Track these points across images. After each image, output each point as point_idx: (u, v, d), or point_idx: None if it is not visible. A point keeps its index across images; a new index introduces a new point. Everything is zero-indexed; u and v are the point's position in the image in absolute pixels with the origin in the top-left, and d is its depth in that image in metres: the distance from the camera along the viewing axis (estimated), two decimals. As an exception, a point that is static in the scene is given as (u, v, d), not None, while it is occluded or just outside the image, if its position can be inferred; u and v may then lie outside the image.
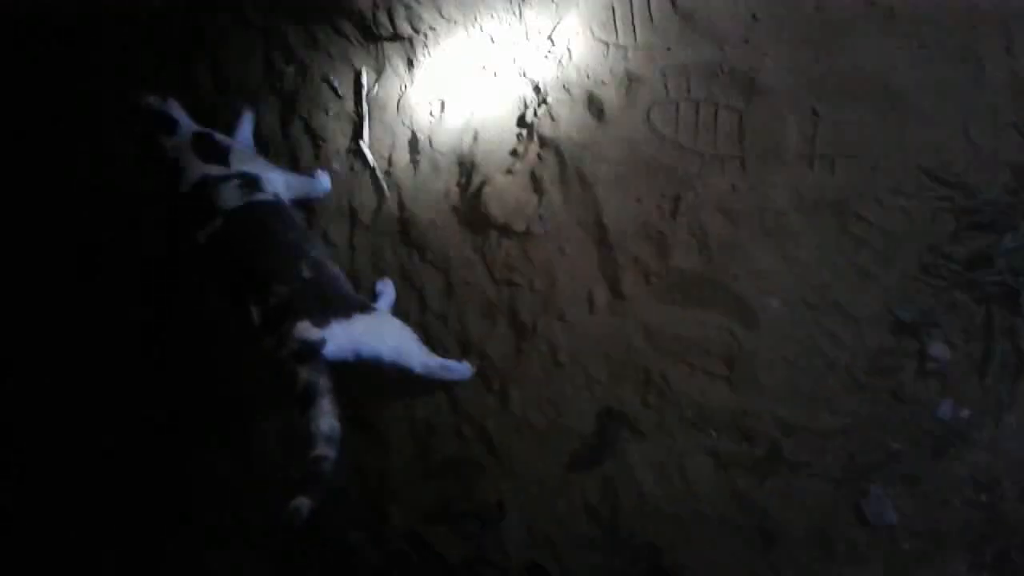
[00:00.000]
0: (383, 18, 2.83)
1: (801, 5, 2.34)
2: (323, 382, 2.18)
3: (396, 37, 2.85)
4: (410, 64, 2.88)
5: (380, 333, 2.40)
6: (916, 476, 2.13)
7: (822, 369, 2.25)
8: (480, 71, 2.73)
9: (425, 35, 2.80)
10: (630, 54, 2.48)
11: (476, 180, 2.72)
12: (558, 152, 2.56)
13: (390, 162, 2.99)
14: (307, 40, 3.12)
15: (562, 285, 2.58)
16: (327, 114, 3.13)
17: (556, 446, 2.48)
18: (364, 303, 2.47)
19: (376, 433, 2.73)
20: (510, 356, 2.65)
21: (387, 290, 2.75)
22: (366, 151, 3.02)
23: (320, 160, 3.17)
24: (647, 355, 2.45)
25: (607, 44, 2.51)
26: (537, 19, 2.69)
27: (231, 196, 2.51)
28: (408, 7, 2.76)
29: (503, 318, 2.69)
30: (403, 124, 2.94)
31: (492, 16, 2.69)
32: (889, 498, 2.13)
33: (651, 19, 2.47)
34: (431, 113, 2.86)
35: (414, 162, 2.92)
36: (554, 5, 2.64)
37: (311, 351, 2.21)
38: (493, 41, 2.71)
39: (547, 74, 2.60)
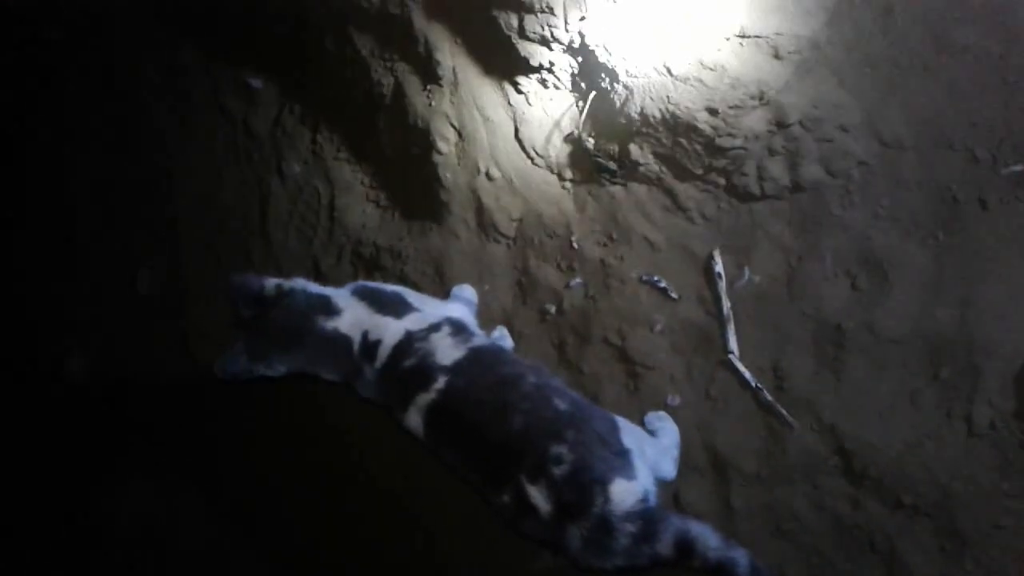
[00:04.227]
0: (776, 167, 1.94)
1: None
2: (677, 524, 1.68)
3: (795, 189, 1.95)
4: (806, 225, 1.96)
5: (644, 442, 1.87)
6: None
7: None
8: (957, 204, 1.84)
9: (848, 176, 1.92)
10: None
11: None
12: None
13: (779, 375, 1.95)
14: (608, 227, 2.17)
15: None
16: (652, 330, 2.08)
17: None
18: (611, 416, 1.84)
19: None
20: None
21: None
22: (738, 365, 1.97)
23: (640, 397, 2.07)
24: None
25: None
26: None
27: (448, 347, 1.85)
28: (828, 140, 1.89)
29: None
30: (803, 314, 1.95)
31: (973, 125, 1.85)
32: None
33: None
34: (856, 287, 1.90)
35: (836, 365, 1.88)
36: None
37: (651, 518, 1.67)
38: (977, 159, 1.84)
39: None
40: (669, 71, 1.90)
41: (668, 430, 2.04)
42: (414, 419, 1.88)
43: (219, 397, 2.89)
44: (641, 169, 2.11)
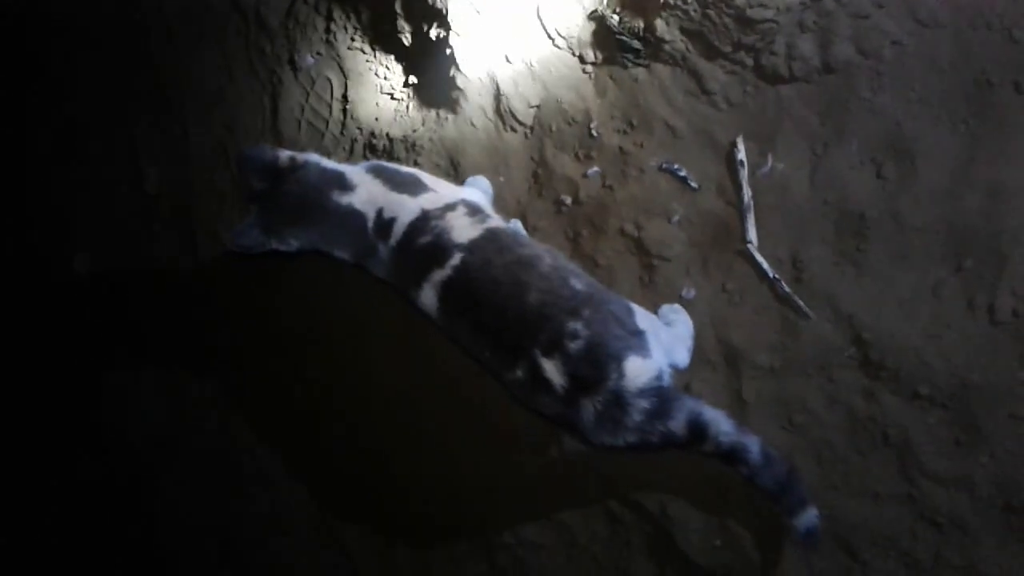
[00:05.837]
0: (806, 45, 1.88)
1: None
2: (691, 405, 1.71)
3: (824, 70, 1.89)
4: (833, 110, 1.90)
5: (659, 328, 1.86)
6: None
7: None
8: (991, 88, 1.78)
9: (880, 57, 1.86)
10: None
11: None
12: None
13: (798, 266, 1.92)
14: (629, 113, 2.11)
15: None
16: (670, 220, 2.03)
17: None
18: (626, 301, 1.83)
19: None
20: None
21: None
22: (756, 255, 1.93)
23: (655, 289, 2.04)
24: None
25: None
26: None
27: (464, 226, 1.85)
28: (862, 16, 1.83)
29: None
30: (825, 203, 1.91)
31: (1014, 3, 1.80)
32: None
33: None
34: (881, 174, 1.85)
35: (857, 255, 1.85)
36: None
37: (665, 397, 1.69)
38: (1015, 40, 1.78)
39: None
40: (702, -65, 1.85)
41: (682, 322, 2.02)
42: (428, 296, 1.88)
43: (227, 294, 2.88)
44: (666, 47, 2.06)
